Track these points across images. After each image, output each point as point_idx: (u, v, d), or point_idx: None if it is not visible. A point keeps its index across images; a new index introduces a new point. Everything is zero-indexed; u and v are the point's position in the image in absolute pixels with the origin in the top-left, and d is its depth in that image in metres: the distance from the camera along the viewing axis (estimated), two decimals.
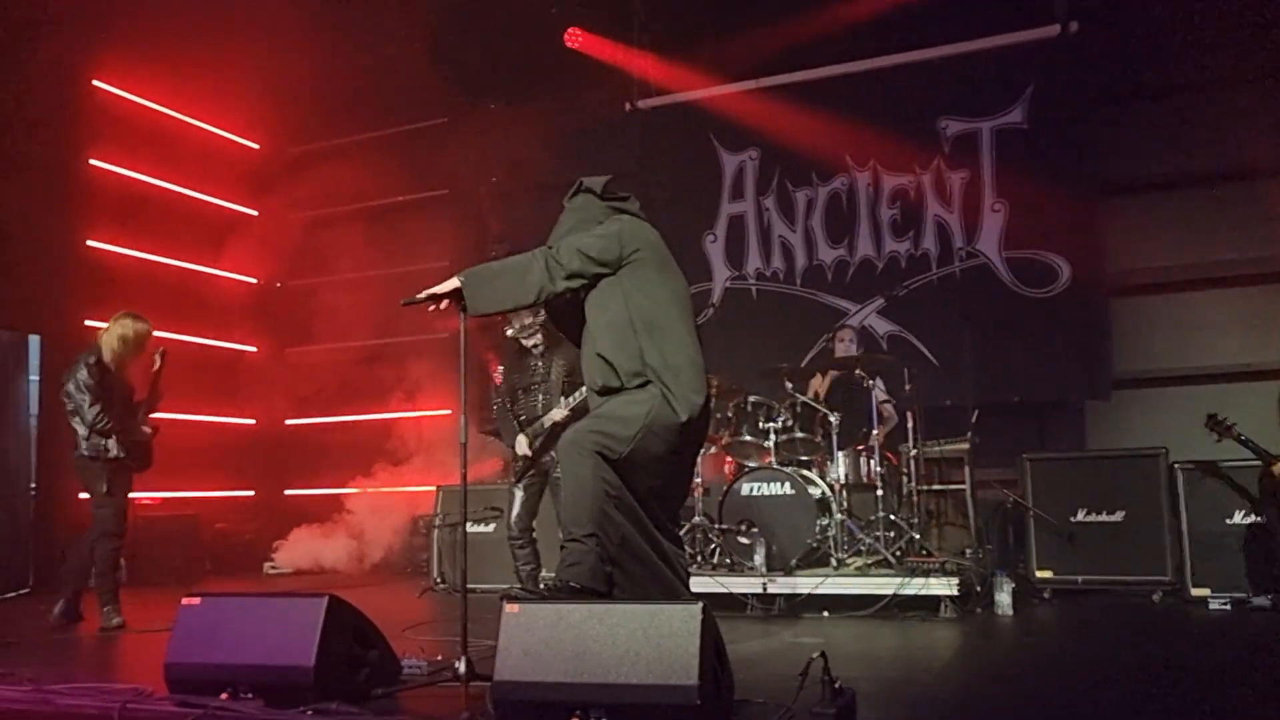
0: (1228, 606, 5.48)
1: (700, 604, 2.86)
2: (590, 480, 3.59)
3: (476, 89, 9.33)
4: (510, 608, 3.00)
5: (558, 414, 5.56)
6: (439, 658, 3.94)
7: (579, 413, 5.34)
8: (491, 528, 7.43)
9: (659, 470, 3.79)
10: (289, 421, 10.59)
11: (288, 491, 10.45)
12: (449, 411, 9.30)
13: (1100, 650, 4.63)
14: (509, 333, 5.76)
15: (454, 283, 3.60)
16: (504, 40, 8.92)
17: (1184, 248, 7.40)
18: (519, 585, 5.79)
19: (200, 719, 3.04)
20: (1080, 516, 6.07)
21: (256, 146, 10.73)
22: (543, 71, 9.13)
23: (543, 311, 5.37)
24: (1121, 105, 7.49)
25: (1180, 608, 5.61)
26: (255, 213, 10.73)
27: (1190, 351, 7.35)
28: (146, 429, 5.98)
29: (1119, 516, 5.97)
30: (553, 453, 5.56)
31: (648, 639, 2.83)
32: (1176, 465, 5.89)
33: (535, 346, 5.75)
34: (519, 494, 5.77)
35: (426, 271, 8.87)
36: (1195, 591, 5.63)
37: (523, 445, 5.67)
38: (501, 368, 5.85)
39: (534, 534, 5.85)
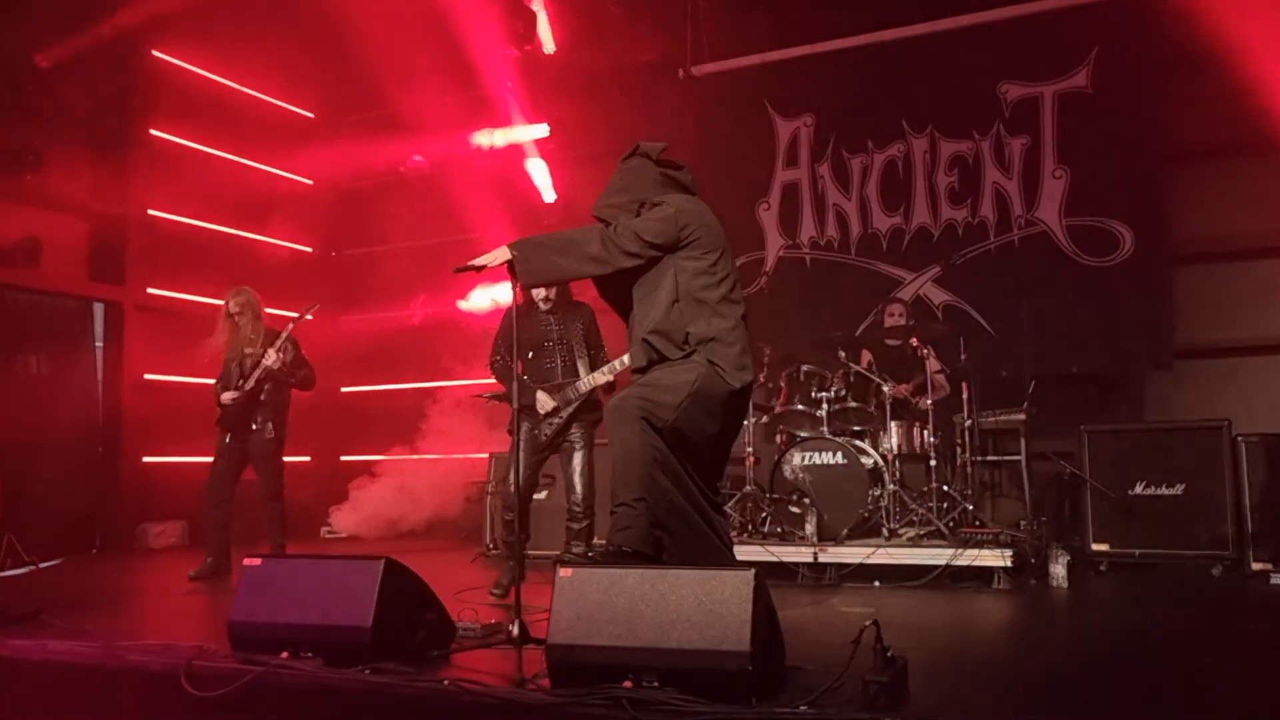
0: None
1: (752, 570, 2.87)
2: (638, 446, 3.62)
3: (529, 55, 9.30)
4: (564, 572, 3.04)
5: (601, 377, 5.34)
6: (493, 621, 4.00)
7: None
8: (544, 494, 7.48)
9: (703, 438, 3.83)
10: (344, 389, 10.75)
11: (344, 457, 10.63)
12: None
13: (1155, 624, 4.57)
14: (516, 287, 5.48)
15: (505, 253, 3.62)
16: (559, 4, 8.88)
17: (1249, 215, 7.19)
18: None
19: (261, 676, 3.12)
20: (1139, 489, 5.97)
21: (312, 115, 10.82)
22: (596, 37, 9.08)
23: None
24: (1188, 69, 7.26)
25: (1240, 582, 5.51)
26: (310, 182, 10.84)
27: (1255, 322, 7.16)
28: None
29: (1179, 489, 5.86)
30: (578, 424, 5.38)
31: (700, 604, 2.85)
32: (1240, 438, 5.76)
33: (546, 300, 5.46)
34: (519, 464, 5.28)
35: (479, 240, 8.98)
36: (1256, 566, 5.52)
37: (545, 403, 5.37)
38: (501, 322, 5.54)
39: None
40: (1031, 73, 7.61)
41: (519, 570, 5.39)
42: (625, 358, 5.20)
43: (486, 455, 8.12)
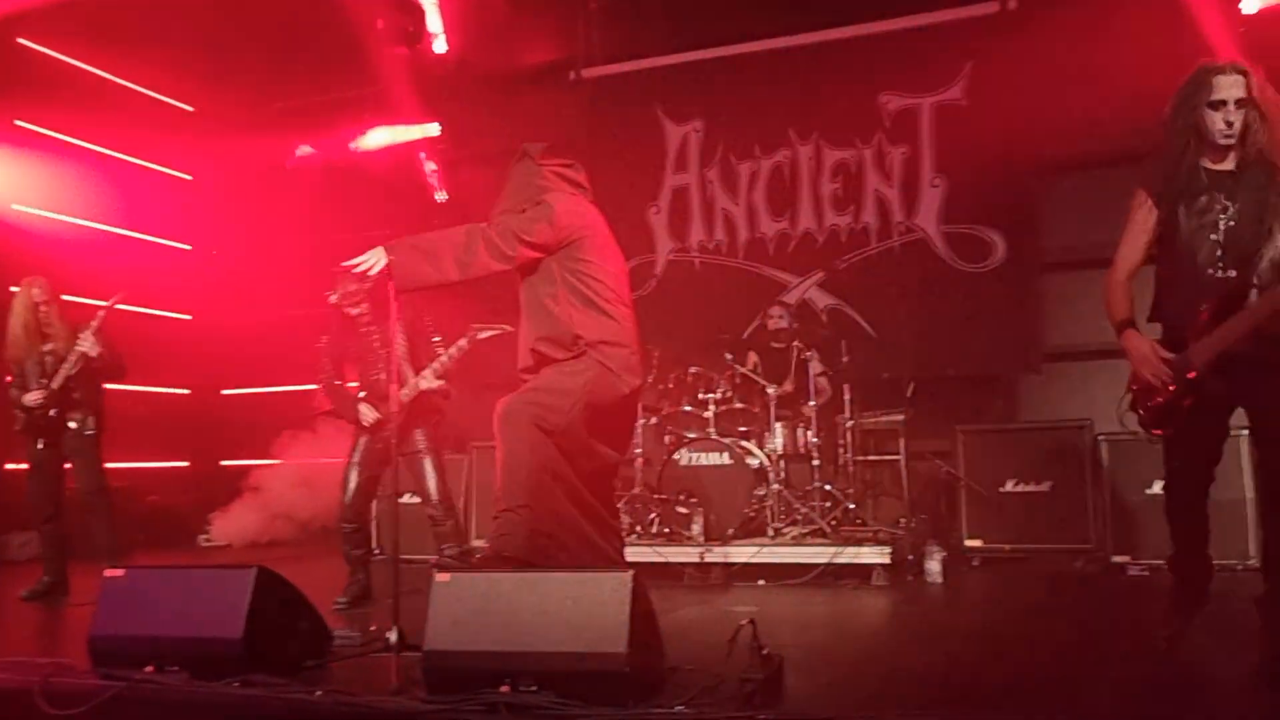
0: (1145, 572, 5.66)
1: (630, 571, 2.89)
2: (526, 451, 3.61)
3: (420, 54, 9.16)
4: (441, 576, 3.01)
5: (424, 383, 5.25)
6: (373, 628, 3.93)
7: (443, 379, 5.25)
8: (417, 500, 7.40)
9: (591, 441, 3.83)
10: (225, 391, 10.42)
11: (224, 462, 10.30)
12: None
13: (1020, 615, 4.78)
14: (331, 299, 5.32)
15: (381, 255, 3.55)
16: (450, 3, 8.77)
17: (1112, 225, 7.51)
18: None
19: (123, 692, 3.01)
20: (1009, 486, 6.21)
21: (191, 109, 10.46)
22: (487, 37, 9.01)
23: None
24: (1056, 85, 7.58)
25: (1101, 573, 5.78)
26: (189, 177, 10.49)
27: None
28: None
29: (1046, 486, 6.13)
30: (421, 433, 5.35)
31: (578, 607, 2.86)
32: (1100, 437, 6.05)
33: (361, 314, 5.34)
34: (355, 474, 5.35)
35: (368, 238, 8.78)
36: (1115, 558, 5.80)
37: (369, 415, 5.30)
38: (324, 337, 5.42)
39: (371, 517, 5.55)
40: (911, 85, 7.85)
41: (366, 581, 5.39)
42: (453, 350, 5.19)
43: None
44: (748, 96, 8.30)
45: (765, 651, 2.96)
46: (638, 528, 6.29)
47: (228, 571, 3.34)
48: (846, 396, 6.49)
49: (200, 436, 10.26)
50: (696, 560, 5.78)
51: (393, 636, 3.39)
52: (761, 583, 5.63)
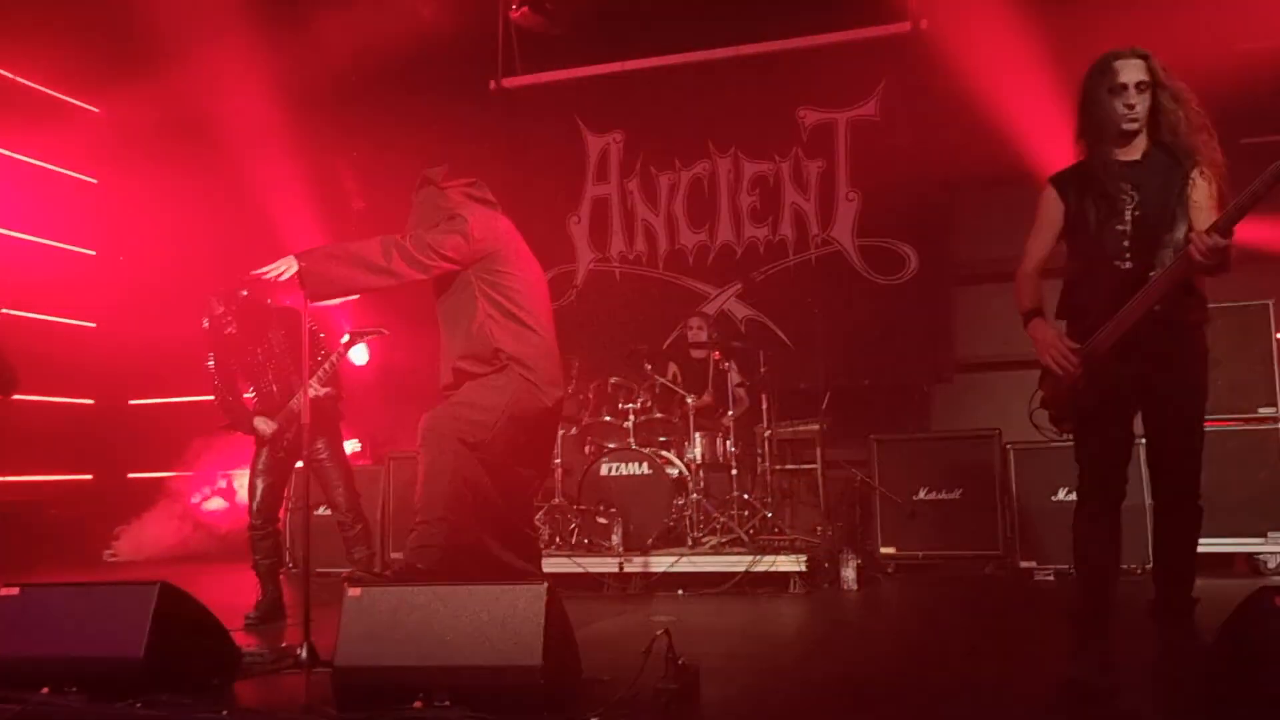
0: (1051, 577, 5.84)
1: (545, 584, 2.88)
2: (448, 465, 3.60)
3: (338, 61, 9.03)
4: (352, 591, 2.97)
5: (311, 391, 5.02)
6: (283, 644, 3.85)
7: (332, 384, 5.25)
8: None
9: (515, 455, 3.83)
10: (133, 401, 10.10)
11: (131, 475, 9.98)
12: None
13: (931, 622, 4.89)
14: (206, 325, 5.28)
15: (293, 263, 3.49)
16: (362, 12, 8.65)
17: (1019, 241, 7.75)
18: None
19: (18, 716, 2.89)
20: (922, 494, 6.35)
21: (97, 110, 10.15)
22: (405, 45, 8.91)
23: (245, 292, 5.15)
24: (965, 104, 7.79)
25: (1009, 579, 5.94)
26: (95, 180, 10.17)
27: (1023, 339, 7.70)
28: None
29: (957, 494, 6.28)
30: (322, 441, 5.33)
31: (492, 620, 2.84)
32: (1009, 446, 6.22)
33: (232, 334, 5.26)
34: (260, 481, 5.30)
35: (283, 243, 8.64)
36: (1023, 564, 5.96)
37: (265, 428, 5.23)
38: (210, 358, 5.36)
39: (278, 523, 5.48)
40: (827, 100, 8.00)
41: (277, 594, 5.32)
42: (334, 356, 5.16)
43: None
44: (668, 109, 8.37)
45: (681, 661, 2.98)
46: (557, 538, 6.27)
47: (129, 588, 3.23)
48: (764, 406, 6.56)
49: (105, 448, 9.93)
50: (616, 570, 5.78)
51: (303, 653, 3.33)
52: (680, 592, 5.65)
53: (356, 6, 8.56)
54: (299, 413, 5.06)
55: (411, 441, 7.98)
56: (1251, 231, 6.93)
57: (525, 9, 8.21)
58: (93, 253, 10.12)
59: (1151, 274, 3.02)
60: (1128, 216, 3.10)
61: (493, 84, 8.81)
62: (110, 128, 10.10)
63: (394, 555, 7.13)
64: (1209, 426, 5.72)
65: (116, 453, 9.99)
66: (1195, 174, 3.07)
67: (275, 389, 5.26)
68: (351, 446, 8.12)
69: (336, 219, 9.17)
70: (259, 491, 5.28)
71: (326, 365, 5.20)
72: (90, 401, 10.01)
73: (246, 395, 5.40)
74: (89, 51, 9.28)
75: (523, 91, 8.78)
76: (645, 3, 8.20)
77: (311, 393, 5.13)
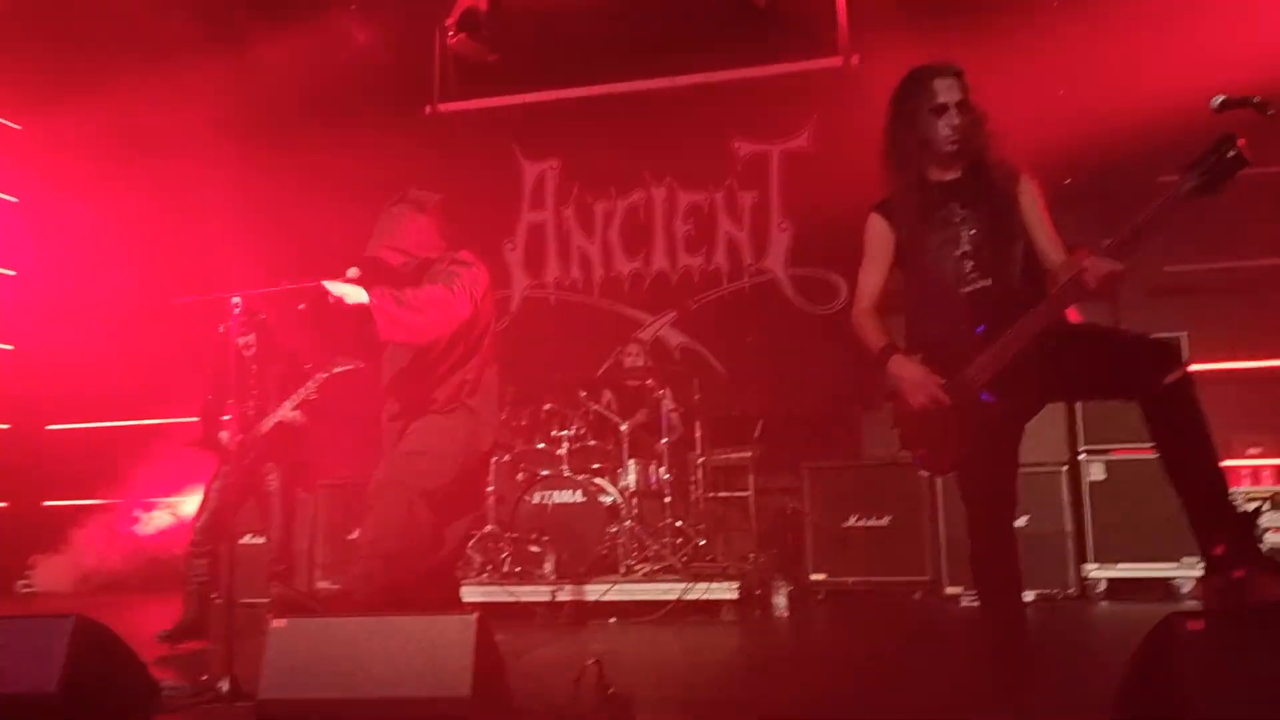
0: (977, 603, 5.92)
1: (475, 614, 2.87)
2: (403, 514, 3.61)
3: (273, 83, 8.94)
4: (277, 622, 2.91)
5: (284, 413, 5.21)
6: (204, 677, 3.75)
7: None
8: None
9: (464, 492, 3.88)
10: (50, 427, 9.79)
11: (47, 503, 9.65)
12: (228, 418, 8.85)
13: (859, 648, 4.95)
14: (221, 329, 5.25)
15: (363, 294, 3.49)
16: (299, 37, 8.58)
17: None
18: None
19: None
20: (852, 521, 6.42)
21: (19, 127, 9.88)
22: (340, 67, 8.86)
23: (264, 316, 5.23)
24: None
25: (937, 605, 6.03)
26: (15, 200, 9.89)
27: None
28: None
29: (886, 521, 6.36)
30: (275, 470, 5.38)
31: (421, 651, 2.81)
32: None
33: (247, 344, 5.16)
34: (214, 499, 5.31)
35: (209, 269, 8.49)
36: (950, 589, 6.06)
37: (227, 443, 5.25)
38: (207, 368, 5.43)
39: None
40: (760, 132, 8.14)
41: (199, 615, 5.25)
42: (311, 384, 5.12)
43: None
44: (604, 137, 8.41)
45: (611, 691, 2.98)
46: (489, 566, 6.22)
47: (43, 621, 3.13)
48: (698, 434, 6.60)
49: (20, 475, 9.59)
50: (548, 599, 5.75)
51: (225, 686, 3.25)
52: (613, 620, 5.64)
53: (291, 28, 8.50)
54: (265, 435, 5.20)
55: (341, 468, 7.91)
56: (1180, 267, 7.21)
57: (462, 35, 8.21)
58: (13, 273, 9.83)
59: (1012, 296, 2.89)
60: (964, 238, 2.98)
61: (428, 109, 8.78)
62: (33, 145, 9.84)
63: (321, 584, 7.00)
64: (1126, 455, 5.96)
65: (32, 480, 9.65)
66: (1022, 183, 3.01)
67: (253, 408, 5.22)
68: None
69: (268, 240, 9.03)
70: (208, 510, 5.27)
71: (303, 391, 5.15)
72: (5, 426, 9.68)
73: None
74: (11, 68, 9.05)
75: (459, 117, 8.76)
76: (583, 31, 8.25)
77: (284, 414, 5.19)
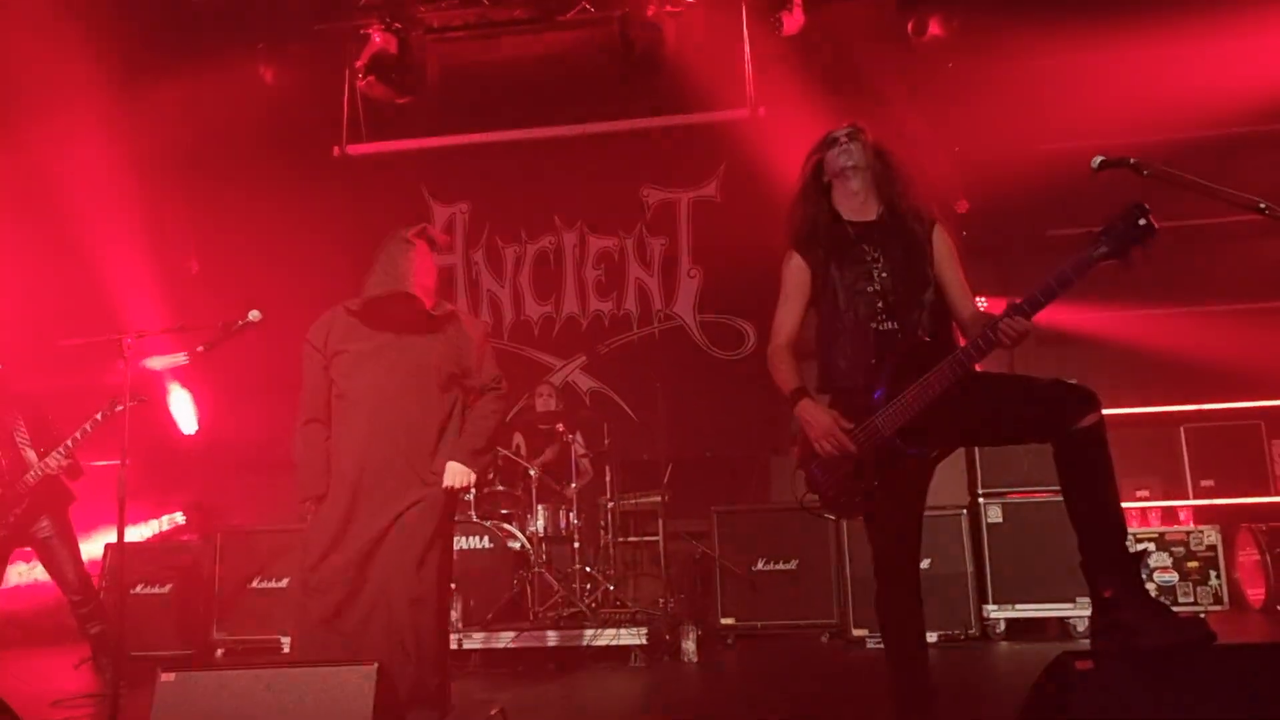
0: (881, 645, 6.01)
1: (375, 665, 2.80)
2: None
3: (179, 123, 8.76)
4: (165, 676, 2.81)
5: (53, 461, 5.20)
6: None
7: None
8: (167, 588, 6.90)
9: None
10: None
11: None
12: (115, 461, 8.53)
13: (765, 693, 4.97)
14: None
15: (471, 475, 3.79)
16: (197, 76, 8.43)
17: None
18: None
19: None
20: (760, 565, 6.47)
21: None
22: (247, 106, 8.74)
23: None
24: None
25: (843, 647, 6.10)
26: None
27: None
28: None
29: (793, 564, 6.42)
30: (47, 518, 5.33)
31: (318, 705, 2.74)
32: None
33: None
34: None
35: (110, 308, 8.25)
36: (856, 632, 6.13)
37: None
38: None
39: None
40: (670, 180, 8.28)
41: (114, 677, 5.03)
42: (88, 425, 5.09)
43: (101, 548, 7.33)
44: (514, 182, 8.47)
45: None
46: None
47: None
48: (608, 478, 6.59)
49: None
50: (455, 647, 5.64)
51: None
52: (520, 668, 5.56)
53: (197, 68, 8.35)
54: (32, 487, 5.18)
55: (243, 513, 7.66)
56: (1069, 316, 7.51)
57: (371, 77, 8.18)
58: None
59: (920, 337, 2.98)
60: (876, 278, 3.05)
61: (337, 150, 8.70)
62: None
63: (217, 635, 6.76)
64: (1021, 498, 6.15)
65: None
66: (936, 232, 3.14)
67: (3, 463, 5.24)
68: (174, 519, 7.71)
69: (170, 281, 8.81)
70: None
71: (78, 435, 5.13)
72: None
73: None
74: None
75: (368, 159, 8.69)
76: (494, 77, 8.30)
77: (54, 464, 5.17)
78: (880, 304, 3.05)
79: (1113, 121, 7.37)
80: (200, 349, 3.77)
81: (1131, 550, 2.80)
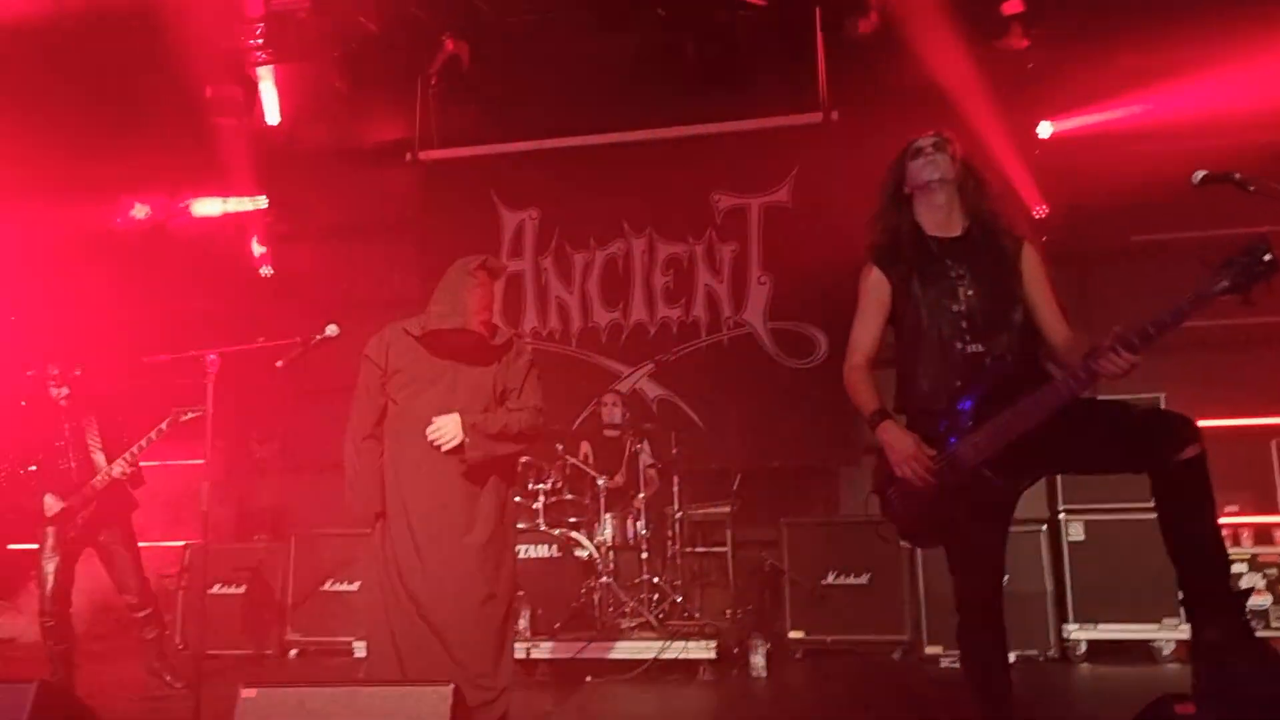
0: (956, 664, 5.87)
1: (451, 685, 2.79)
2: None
3: (250, 125, 8.91)
4: (246, 692, 2.82)
5: (116, 469, 5.28)
6: None
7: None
8: (243, 589, 7.04)
9: None
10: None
11: (11, 546, 9.42)
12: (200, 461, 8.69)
13: (837, 709, 4.88)
14: (29, 374, 5.45)
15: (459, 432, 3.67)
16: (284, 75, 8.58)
17: None
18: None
19: None
20: (830, 579, 6.35)
21: None
22: (322, 113, 8.88)
23: (79, 371, 5.38)
24: (875, 191, 8.05)
25: (916, 665, 5.97)
26: None
27: None
28: None
29: (865, 579, 6.30)
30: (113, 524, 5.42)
31: None
32: None
33: (61, 398, 5.41)
34: (50, 566, 5.29)
35: (170, 313, 8.45)
36: (929, 649, 5.99)
37: (52, 506, 5.27)
38: (11, 423, 5.51)
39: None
40: (740, 185, 8.18)
41: (66, 678, 5.20)
42: (152, 434, 5.17)
43: (182, 544, 7.49)
44: (584, 188, 8.44)
45: None
46: None
47: (4, 688, 3.02)
48: (675, 488, 6.54)
49: None
50: (524, 656, 5.64)
51: None
52: (589, 679, 5.54)
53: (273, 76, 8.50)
54: (99, 491, 5.26)
55: (314, 517, 7.77)
56: None
57: (443, 85, 8.24)
58: None
59: (1005, 360, 2.85)
60: (961, 296, 2.94)
61: (409, 156, 8.79)
62: None
63: (291, 636, 6.86)
64: (1104, 515, 5.95)
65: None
66: (1026, 250, 3.00)
67: (73, 465, 5.32)
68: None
69: (242, 282, 8.99)
70: (50, 580, 5.27)
71: (143, 443, 5.23)
72: None
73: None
74: None
75: (439, 165, 8.78)
76: (564, 82, 8.31)
77: (117, 470, 5.26)
78: (965, 324, 2.92)
79: (1200, 122, 7.16)
80: (279, 364, 3.80)
81: (1236, 589, 2.66)
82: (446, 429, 3.63)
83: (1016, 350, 2.91)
